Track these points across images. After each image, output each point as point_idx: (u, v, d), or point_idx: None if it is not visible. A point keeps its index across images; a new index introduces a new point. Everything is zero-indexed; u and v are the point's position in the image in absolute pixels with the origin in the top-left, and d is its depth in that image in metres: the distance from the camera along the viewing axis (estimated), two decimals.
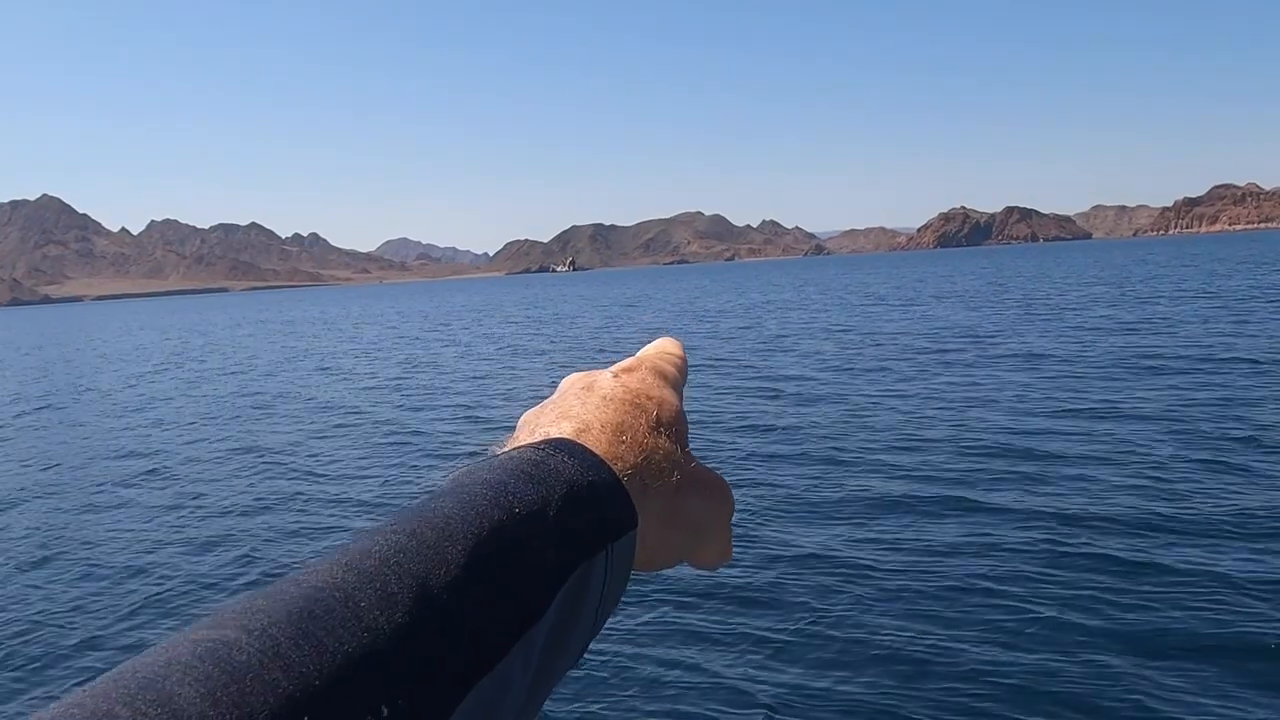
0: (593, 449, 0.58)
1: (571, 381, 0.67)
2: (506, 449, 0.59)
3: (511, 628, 0.48)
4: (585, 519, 0.54)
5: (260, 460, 14.85)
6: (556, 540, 0.52)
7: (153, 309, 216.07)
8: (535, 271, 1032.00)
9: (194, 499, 12.36)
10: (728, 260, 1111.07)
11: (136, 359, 41.54)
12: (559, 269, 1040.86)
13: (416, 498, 0.53)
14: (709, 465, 0.66)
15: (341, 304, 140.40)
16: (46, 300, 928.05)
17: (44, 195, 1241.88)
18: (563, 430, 0.60)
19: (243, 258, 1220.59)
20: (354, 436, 16.46)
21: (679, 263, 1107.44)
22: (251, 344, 47.59)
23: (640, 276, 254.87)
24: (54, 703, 0.37)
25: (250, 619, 0.42)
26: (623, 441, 0.60)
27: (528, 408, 0.64)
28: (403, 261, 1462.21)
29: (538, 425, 0.62)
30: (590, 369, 0.70)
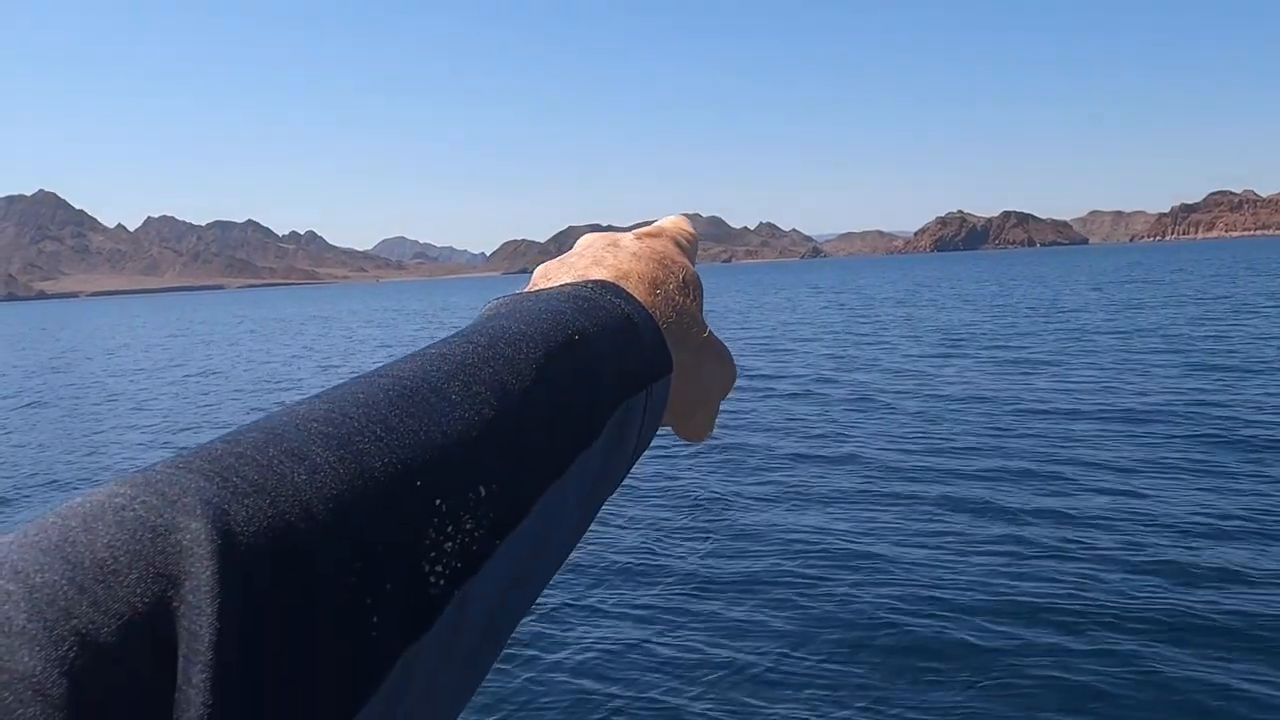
0: (633, 295, 0.60)
1: (593, 239, 0.68)
2: (537, 289, 0.62)
3: (575, 442, 0.50)
4: (632, 357, 0.56)
5: None
6: (609, 372, 0.54)
7: (148, 306, 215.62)
8: (531, 272, 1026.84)
9: None
10: (724, 262, 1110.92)
11: (150, 354, 41.46)
12: None
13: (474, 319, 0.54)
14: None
15: (341, 302, 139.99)
16: (42, 296, 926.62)
17: (40, 190, 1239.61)
18: (602, 275, 0.62)
19: (239, 255, 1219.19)
20: None
21: None
22: (253, 342, 47.49)
23: None
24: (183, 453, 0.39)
25: (355, 396, 0.44)
26: (657, 294, 0.62)
27: None
28: (399, 261, 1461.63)
29: (572, 270, 0.64)
30: None
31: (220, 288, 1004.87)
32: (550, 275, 0.64)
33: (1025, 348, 23.13)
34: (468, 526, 0.42)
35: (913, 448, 12.34)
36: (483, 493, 0.44)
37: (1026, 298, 46.32)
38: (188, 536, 0.35)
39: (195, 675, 0.33)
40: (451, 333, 0.54)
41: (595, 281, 0.60)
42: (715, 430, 0.70)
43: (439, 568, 0.41)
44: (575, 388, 0.52)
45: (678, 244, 0.69)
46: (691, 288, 0.65)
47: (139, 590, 0.33)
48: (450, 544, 0.41)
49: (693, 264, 0.70)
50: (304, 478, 0.39)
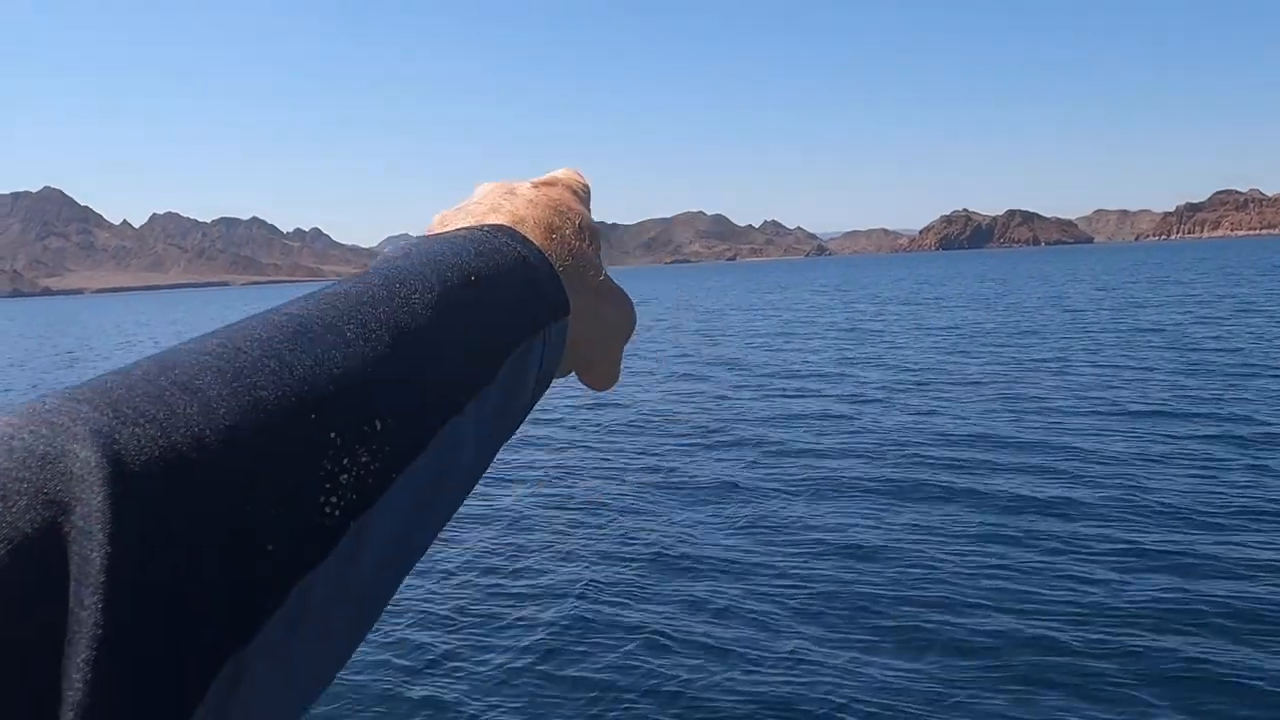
0: (529, 239, 0.61)
1: (490, 187, 0.69)
2: (435, 234, 0.62)
3: (472, 380, 0.51)
4: (529, 299, 0.57)
5: None
6: (505, 313, 0.55)
7: (153, 303, 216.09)
8: None
9: None
10: (729, 260, 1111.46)
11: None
12: None
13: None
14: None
15: None
16: (47, 292, 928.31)
17: (46, 187, 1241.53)
18: (499, 220, 0.63)
19: (244, 252, 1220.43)
20: None
21: (680, 262, 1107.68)
22: None
23: (645, 276, 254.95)
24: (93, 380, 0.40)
25: (250, 333, 0.45)
26: (553, 238, 0.63)
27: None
28: None
29: (470, 216, 0.64)
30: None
31: (225, 285, 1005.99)
32: (448, 222, 0.65)
33: (1029, 346, 23.12)
34: (363, 459, 0.43)
35: (918, 442, 12.37)
36: (379, 427, 0.44)
37: (1030, 296, 46.28)
38: (77, 463, 0.35)
39: (87, 599, 0.33)
40: None
41: (492, 225, 0.61)
42: (621, 379, 0.71)
43: (334, 498, 0.41)
44: (471, 327, 0.53)
45: (574, 192, 0.70)
46: (588, 232, 0.66)
47: (28, 516, 0.33)
48: (346, 476, 0.42)
49: (588, 211, 0.71)
50: (195, 408, 0.39)
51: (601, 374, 0.70)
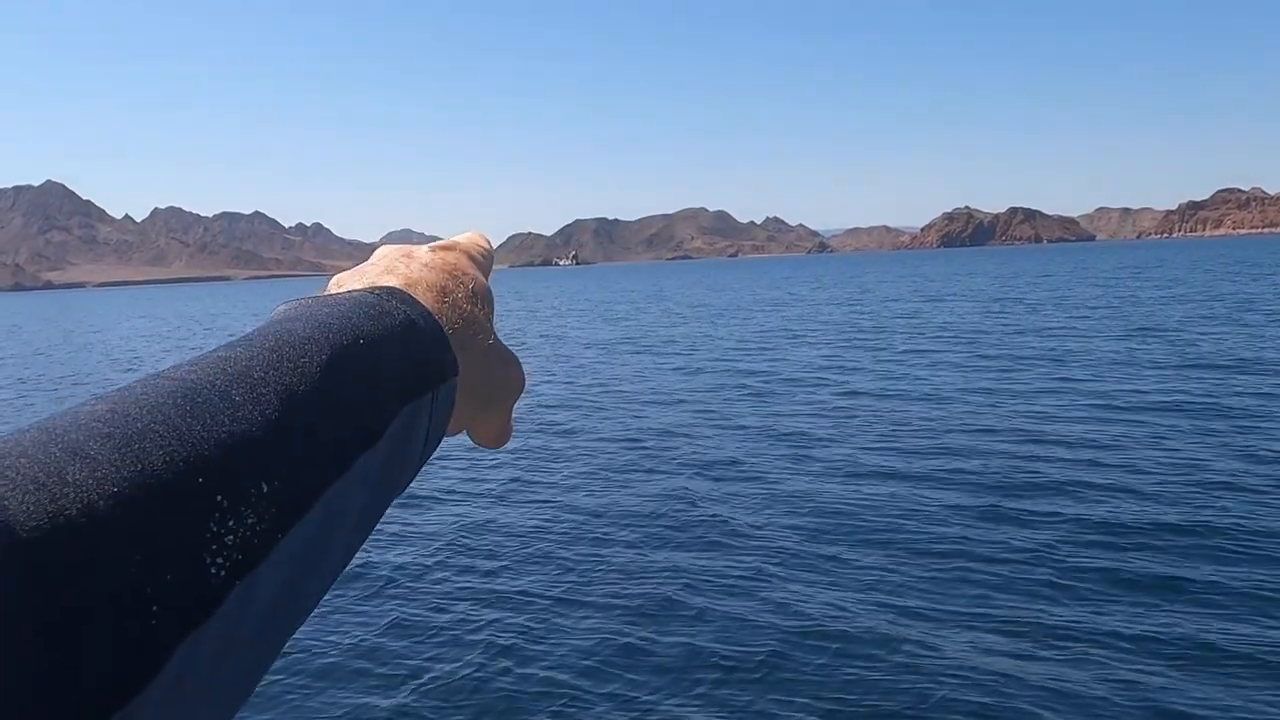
0: (420, 302, 0.63)
1: (389, 250, 0.71)
2: (327, 294, 0.63)
3: (356, 443, 0.52)
4: (416, 360, 0.59)
5: None
6: (392, 376, 0.56)
7: (156, 296, 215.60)
8: (539, 265, 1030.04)
9: None
10: (731, 257, 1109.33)
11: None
12: (562, 262, 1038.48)
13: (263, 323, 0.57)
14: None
15: None
16: (49, 286, 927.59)
17: (48, 181, 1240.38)
18: (392, 282, 0.64)
19: (246, 246, 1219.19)
20: None
21: (682, 258, 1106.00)
22: None
23: (649, 272, 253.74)
24: None
25: (138, 398, 0.46)
26: (445, 302, 0.64)
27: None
28: None
29: (364, 278, 0.66)
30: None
31: (227, 279, 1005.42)
32: (343, 283, 0.66)
33: (1034, 344, 23.22)
34: (249, 520, 0.44)
35: (908, 445, 12.49)
36: (265, 489, 0.45)
37: (1030, 293, 46.28)
38: None
39: None
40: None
41: (383, 287, 0.62)
42: (513, 436, 0.73)
43: (220, 559, 0.42)
44: (358, 389, 0.54)
45: (471, 257, 0.72)
46: (480, 297, 0.67)
47: None
48: (231, 537, 0.43)
49: (486, 276, 0.73)
50: (84, 474, 0.39)
51: (492, 432, 0.71)
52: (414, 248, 0.71)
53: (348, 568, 0.56)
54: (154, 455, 0.42)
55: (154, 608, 0.39)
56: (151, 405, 0.45)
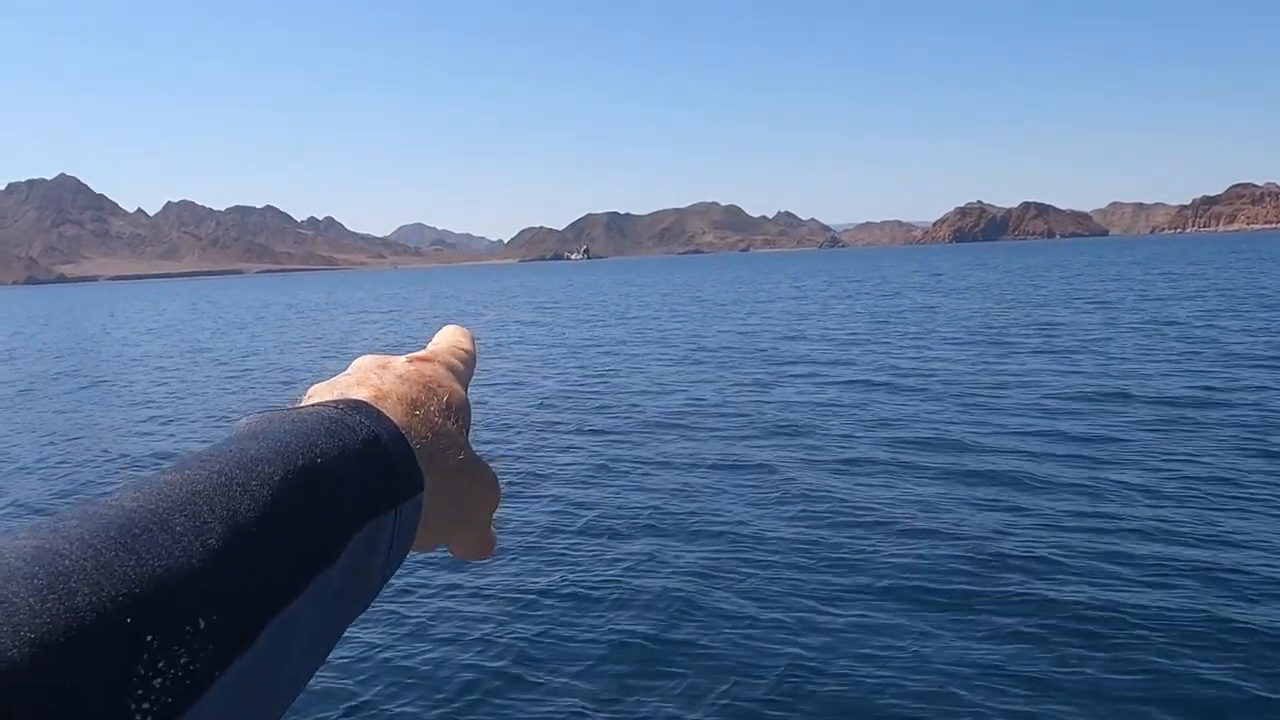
0: (389, 416, 0.61)
1: (365, 360, 0.70)
2: (301, 406, 0.62)
3: (309, 565, 0.50)
4: (379, 477, 0.57)
5: None
6: (352, 493, 0.54)
7: (168, 290, 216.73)
8: (550, 259, 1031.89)
9: None
10: (742, 251, 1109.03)
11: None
12: (573, 256, 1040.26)
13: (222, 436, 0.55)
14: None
15: (376, 286, 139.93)
16: (62, 279, 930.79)
17: (61, 175, 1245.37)
18: (361, 395, 0.62)
19: (258, 240, 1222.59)
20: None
21: (693, 252, 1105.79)
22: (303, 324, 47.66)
23: (661, 266, 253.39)
24: None
25: (70, 532, 0.44)
26: (416, 415, 0.63)
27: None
28: (417, 247, 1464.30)
29: (335, 389, 0.65)
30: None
31: (239, 273, 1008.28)
32: (316, 395, 0.65)
33: (1054, 337, 23.05)
34: (182, 661, 0.42)
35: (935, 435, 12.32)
36: (201, 625, 0.43)
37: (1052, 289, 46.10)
38: None
39: None
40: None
41: (348, 401, 0.61)
42: (495, 548, 0.72)
43: (146, 705, 0.40)
44: (312, 509, 0.52)
45: (449, 367, 0.71)
46: (455, 410, 0.66)
47: None
48: (160, 680, 0.41)
49: (467, 383, 0.72)
50: (1, 619, 0.38)
51: (469, 545, 0.70)
52: (391, 358, 0.70)
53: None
54: (78, 596, 0.40)
55: None
56: (83, 539, 0.43)
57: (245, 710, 0.46)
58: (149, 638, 0.41)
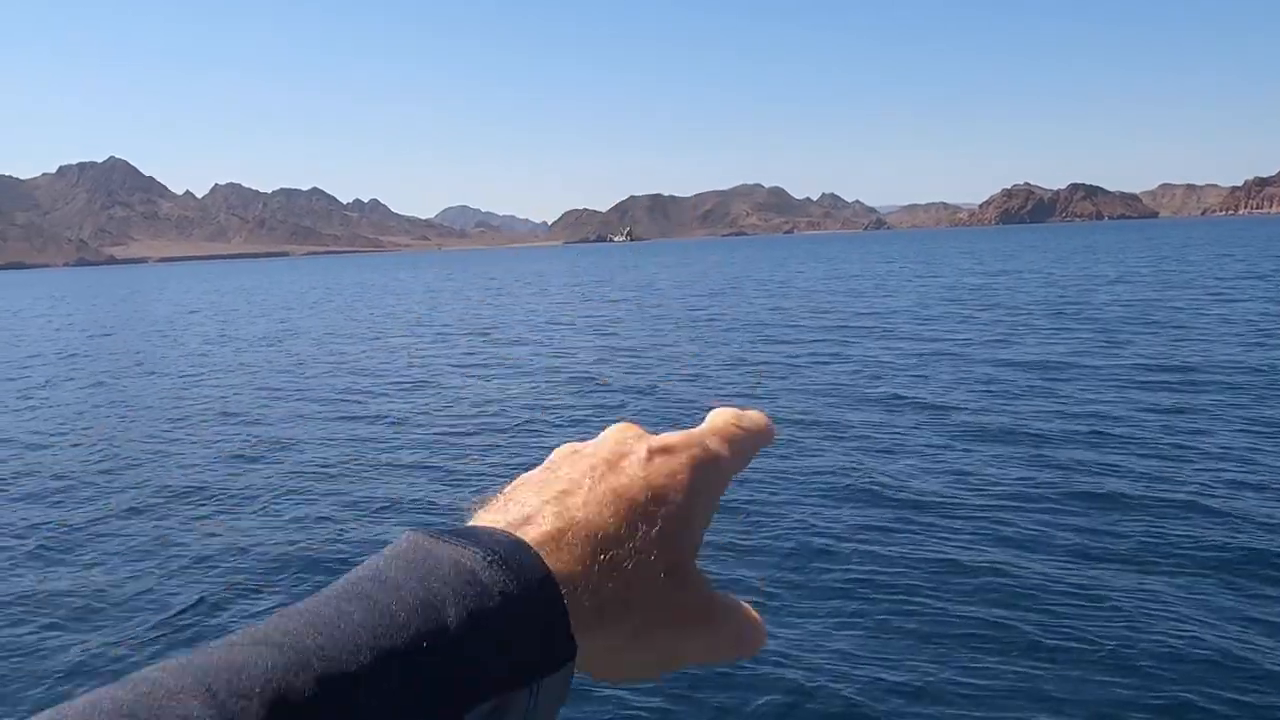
0: (557, 562, 0.51)
1: (568, 452, 0.59)
2: (476, 521, 0.54)
3: None
4: (511, 650, 0.48)
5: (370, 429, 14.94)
6: (469, 669, 0.46)
7: (216, 271, 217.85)
8: (593, 241, 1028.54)
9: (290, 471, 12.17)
10: (786, 233, 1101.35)
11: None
12: (617, 239, 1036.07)
13: (337, 581, 0.49)
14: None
15: (423, 269, 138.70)
16: (111, 261, 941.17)
17: (111, 158, 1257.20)
18: (541, 526, 0.53)
19: (304, 222, 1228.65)
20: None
21: (736, 234, 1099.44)
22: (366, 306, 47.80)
23: (707, 248, 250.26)
24: None
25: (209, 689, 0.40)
26: (601, 559, 0.52)
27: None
28: (462, 229, 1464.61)
29: (525, 502, 0.54)
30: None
31: (285, 254, 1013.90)
32: (518, 497, 0.55)
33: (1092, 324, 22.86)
34: None
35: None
36: None
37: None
38: None
39: None
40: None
41: (502, 549, 0.50)
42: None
43: None
44: (415, 688, 0.45)
45: (702, 460, 0.57)
46: (668, 538, 0.54)
47: None
48: None
49: (728, 479, 0.59)
50: None
51: (710, 656, 0.57)
52: (628, 452, 0.57)
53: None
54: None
55: None
56: (220, 705, 0.39)
57: None
58: None
